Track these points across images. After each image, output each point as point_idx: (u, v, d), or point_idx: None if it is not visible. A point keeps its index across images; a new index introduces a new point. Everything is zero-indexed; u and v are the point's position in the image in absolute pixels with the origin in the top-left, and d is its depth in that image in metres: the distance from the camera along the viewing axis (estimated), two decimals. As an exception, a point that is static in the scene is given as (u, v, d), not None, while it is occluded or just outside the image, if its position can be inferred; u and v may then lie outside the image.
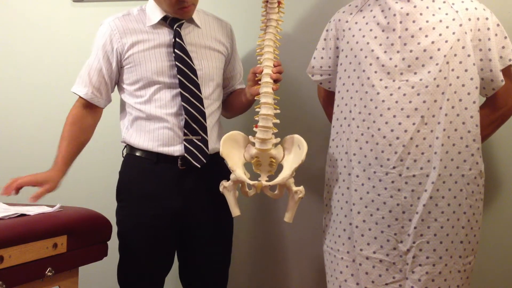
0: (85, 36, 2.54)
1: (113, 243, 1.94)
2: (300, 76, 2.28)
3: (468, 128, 1.77)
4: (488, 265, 2.20)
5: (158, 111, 1.96)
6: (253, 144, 1.91)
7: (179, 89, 1.96)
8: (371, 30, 1.85)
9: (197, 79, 1.98)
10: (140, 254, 1.99)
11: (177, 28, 1.99)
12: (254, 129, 1.91)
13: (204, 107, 1.98)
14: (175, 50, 1.97)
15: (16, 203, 1.93)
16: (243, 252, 2.41)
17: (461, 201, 1.77)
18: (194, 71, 1.98)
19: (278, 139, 1.92)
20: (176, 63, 1.96)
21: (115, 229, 1.94)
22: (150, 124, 1.98)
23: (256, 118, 1.91)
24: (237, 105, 2.15)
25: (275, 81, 1.92)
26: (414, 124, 1.75)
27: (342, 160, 1.90)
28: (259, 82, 1.94)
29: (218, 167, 2.02)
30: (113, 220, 1.94)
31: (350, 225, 1.85)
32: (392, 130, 1.77)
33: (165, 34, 2.00)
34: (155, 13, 2.00)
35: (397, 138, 1.76)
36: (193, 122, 1.95)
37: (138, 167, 2.00)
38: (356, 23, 1.91)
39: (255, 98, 1.97)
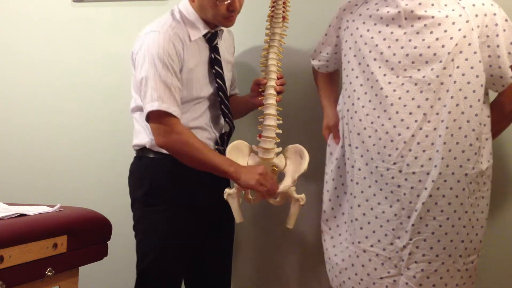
0: (85, 36, 2.54)
1: (113, 243, 1.94)
2: (300, 78, 2.29)
3: (472, 127, 1.75)
4: (494, 264, 2.18)
5: (191, 122, 1.98)
6: (256, 153, 2.00)
7: (211, 102, 2.02)
8: (375, 24, 1.84)
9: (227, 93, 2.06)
10: (175, 255, 1.99)
11: (216, 45, 2.01)
12: (258, 138, 1.99)
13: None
14: (216, 67, 2.00)
15: (16, 203, 1.93)
16: (243, 252, 2.41)
17: (463, 200, 1.76)
18: (226, 87, 2.05)
19: (280, 149, 2.01)
20: (217, 80, 2.00)
21: (115, 229, 1.93)
22: None
23: (260, 128, 1.99)
24: (233, 111, 2.17)
25: (278, 92, 2.01)
26: (416, 121, 1.75)
27: (346, 151, 1.92)
28: (262, 93, 2.02)
29: None
30: (113, 220, 1.93)
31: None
32: (394, 126, 1.77)
33: (205, 49, 2.00)
34: (198, 26, 1.97)
35: (399, 134, 1.76)
36: (227, 135, 2.07)
37: (169, 171, 1.98)
38: (360, 15, 1.90)
39: (258, 108, 2.04)
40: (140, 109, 1.99)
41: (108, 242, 1.91)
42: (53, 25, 2.57)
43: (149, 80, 1.87)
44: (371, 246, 1.81)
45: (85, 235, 1.81)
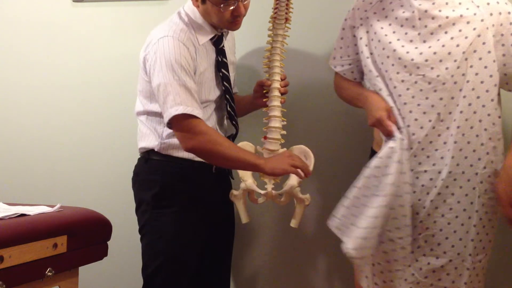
0: (85, 36, 2.54)
1: (113, 243, 1.94)
2: (304, 79, 2.30)
3: (484, 126, 1.74)
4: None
5: None
6: (262, 154, 2.03)
7: (217, 104, 2.03)
8: (390, 24, 1.84)
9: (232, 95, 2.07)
10: (185, 257, 2.00)
11: (222, 48, 2.02)
12: (263, 140, 2.03)
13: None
14: (223, 70, 2.00)
15: (16, 203, 1.93)
16: (245, 251, 2.41)
17: (473, 199, 1.75)
18: (231, 89, 2.06)
19: (285, 149, 2.03)
20: (224, 83, 2.02)
21: (115, 229, 1.93)
22: None
23: (265, 130, 2.02)
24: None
25: (282, 94, 2.04)
26: (430, 121, 1.75)
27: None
28: (266, 95, 2.05)
29: (228, 171, 2.15)
30: (113, 220, 1.93)
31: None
32: (408, 126, 1.77)
33: (212, 52, 2.00)
34: (206, 29, 1.97)
35: (413, 134, 1.76)
36: (232, 137, 2.09)
37: (178, 173, 1.99)
38: (375, 13, 1.89)
39: (262, 109, 2.06)
40: (148, 113, 2.00)
41: (108, 242, 1.91)
42: (53, 25, 2.57)
43: (169, 85, 1.85)
44: (389, 230, 1.78)
45: (85, 235, 1.81)
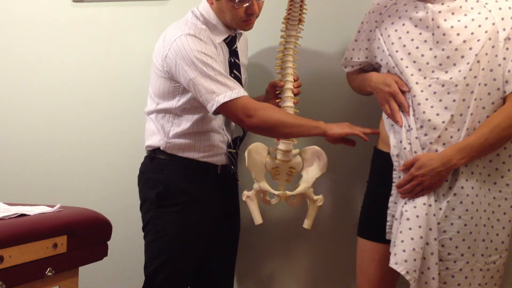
0: (85, 36, 2.54)
1: (113, 243, 1.94)
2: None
3: None
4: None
5: (206, 126, 1.99)
6: (274, 155, 2.04)
7: None
8: (403, 24, 1.85)
9: None
10: (187, 257, 2.01)
11: (235, 49, 2.02)
12: (276, 141, 2.04)
13: None
14: (234, 71, 2.00)
15: (16, 203, 1.93)
16: (247, 252, 2.41)
17: (481, 199, 1.76)
18: None
19: (297, 150, 2.05)
20: None
21: (115, 229, 1.93)
22: (201, 136, 2.00)
23: None
24: None
25: (295, 95, 2.05)
26: (443, 122, 1.75)
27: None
28: (279, 96, 2.06)
29: (233, 172, 2.13)
30: (113, 220, 1.93)
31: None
32: (421, 127, 1.77)
33: (226, 53, 2.00)
34: (220, 29, 1.97)
35: (425, 134, 1.77)
36: (239, 139, 2.10)
37: (182, 172, 2.00)
38: (389, 16, 1.91)
39: None
40: (158, 111, 1.99)
41: (108, 242, 1.91)
42: (53, 25, 2.57)
43: (203, 77, 1.85)
44: (410, 229, 1.75)
45: (85, 235, 1.81)
